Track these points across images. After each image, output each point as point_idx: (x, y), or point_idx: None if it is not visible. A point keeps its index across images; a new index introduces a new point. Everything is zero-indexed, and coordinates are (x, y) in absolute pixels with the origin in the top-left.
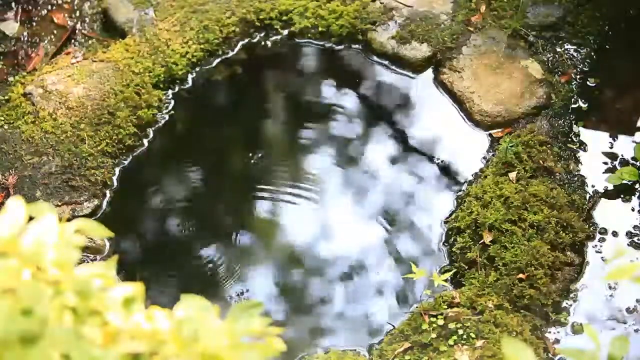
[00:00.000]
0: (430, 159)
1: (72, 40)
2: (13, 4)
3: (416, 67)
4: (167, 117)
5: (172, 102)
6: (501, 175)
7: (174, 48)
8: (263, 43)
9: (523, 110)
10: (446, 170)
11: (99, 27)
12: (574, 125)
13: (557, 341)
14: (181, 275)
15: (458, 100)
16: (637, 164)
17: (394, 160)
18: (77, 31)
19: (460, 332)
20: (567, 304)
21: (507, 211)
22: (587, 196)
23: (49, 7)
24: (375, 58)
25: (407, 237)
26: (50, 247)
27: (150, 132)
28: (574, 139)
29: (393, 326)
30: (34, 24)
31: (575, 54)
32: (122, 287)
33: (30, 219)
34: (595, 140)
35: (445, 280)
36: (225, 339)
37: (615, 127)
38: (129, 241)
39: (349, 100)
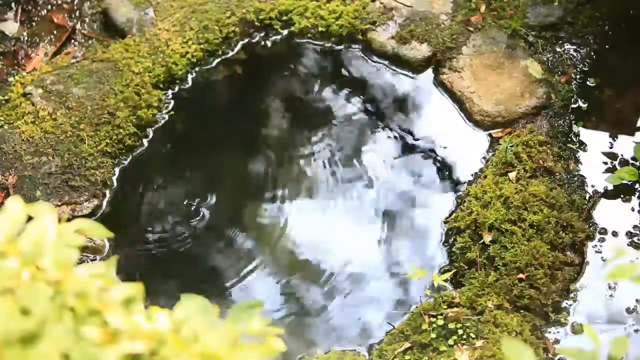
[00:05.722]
0: (430, 159)
1: (72, 40)
2: (13, 4)
3: (416, 67)
4: (166, 117)
5: (172, 102)
6: (501, 175)
7: (174, 48)
8: (263, 43)
9: (523, 110)
10: (446, 170)
11: (98, 27)
12: (574, 125)
13: (557, 341)
14: (181, 275)
15: (458, 100)
16: (637, 164)
17: (393, 160)
18: (77, 31)
19: (460, 332)
20: (567, 304)
21: (507, 211)
22: (587, 196)
23: (49, 7)
24: (375, 58)
25: (407, 237)
26: (50, 247)
27: (150, 132)
28: (574, 139)
29: (393, 326)
30: (34, 24)
31: (575, 54)
32: (121, 287)
33: (30, 219)
34: (595, 140)
35: (445, 280)
36: (225, 339)
37: (615, 127)
38: (129, 241)
39: (349, 101)
